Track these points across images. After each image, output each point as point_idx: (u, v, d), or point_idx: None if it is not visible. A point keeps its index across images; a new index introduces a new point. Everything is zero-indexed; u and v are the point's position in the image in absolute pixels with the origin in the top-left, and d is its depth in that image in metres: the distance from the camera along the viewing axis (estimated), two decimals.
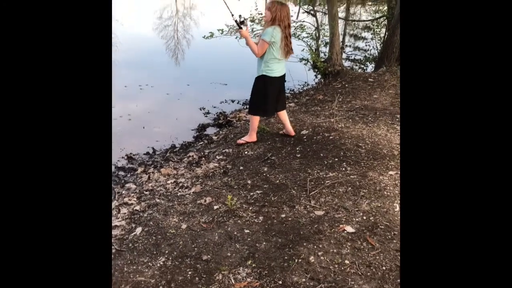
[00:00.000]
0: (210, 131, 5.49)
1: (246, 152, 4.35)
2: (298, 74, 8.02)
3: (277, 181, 3.63)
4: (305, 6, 9.48)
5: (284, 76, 4.31)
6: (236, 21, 4.08)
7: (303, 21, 8.86)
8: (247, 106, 5.44)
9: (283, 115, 4.54)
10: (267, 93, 4.24)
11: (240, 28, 4.10)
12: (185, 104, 6.50)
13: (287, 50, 4.10)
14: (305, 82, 8.04)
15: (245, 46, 4.21)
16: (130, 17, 15.20)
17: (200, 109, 6.28)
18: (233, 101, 6.75)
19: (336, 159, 3.96)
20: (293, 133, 4.60)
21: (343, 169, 3.76)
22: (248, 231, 2.90)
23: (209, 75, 8.11)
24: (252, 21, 8.34)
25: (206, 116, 6.05)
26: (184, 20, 17.10)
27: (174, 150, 4.80)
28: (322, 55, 8.36)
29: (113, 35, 10.69)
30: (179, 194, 3.62)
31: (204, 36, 7.88)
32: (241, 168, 4.01)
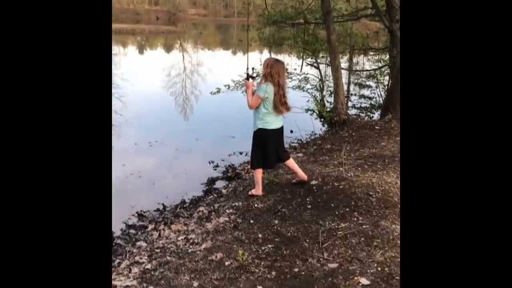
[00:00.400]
0: (219, 184, 5.50)
1: (256, 205, 4.34)
2: (304, 124, 8.12)
3: (289, 233, 3.58)
4: (308, 59, 9.75)
5: (281, 128, 4.38)
6: (247, 73, 4.25)
7: (307, 74, 9.09)
8: None
9: (290, 163, 4.56)
10: (265, 145, 4.31)
11: (248, 79, 4.25)
12: (194, 159, 6.56)
13: (280, 106, 4.18)
14: (312, 132, 8.11)
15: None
16: (139, 75, 15.68)
17: (209, 163, 6.33)
18: (241, 153, 6.81)
19: (347, 209, 3.92)
20: (305, 177, 4.60)
21: (355, 219, 3.71)
22: (261, 287, 2.83)
23: (217, 129, 8.24)
24: (257, 75, 8.56)
25: (215, 170, 6.09)
26: (192, 76, 17.58)
27: (184, 206, 4.80)
28: (327, 104, 8.50)
29: (122, 94, 11.03)
30: (189, 250, 3.58)
31: (212, 92, 8.09)
32: (251, 221, 3.98)
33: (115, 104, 10.20)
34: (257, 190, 4.52)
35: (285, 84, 4.25)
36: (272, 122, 4.26)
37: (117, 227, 4.27)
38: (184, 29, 43.90)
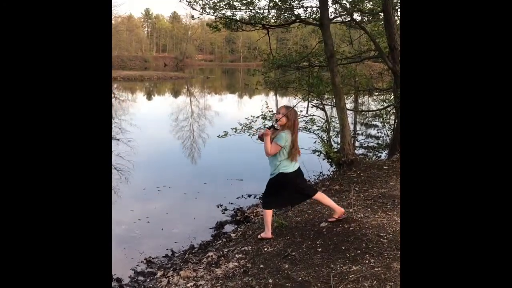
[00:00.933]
0: (228, 228, 5.46)
1: (265, 249, 4.28)
2: (312, 165, 8.13)
3: (300, 278, 3.51)
4: (314, 101, 9.90)
5: (299, 169, 4.40)
6: (273, 125, 4.33)
7: (313, 115, 9.19)
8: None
9: (320, 197, 4.53)
10: (284, 188, 4.32)
11: (269, 128, 4.30)
12: (203, 203, 6.55)
13: (296, 153, 4.27)
14: (320, 172, 8.11)
15: (257, 141, 4.39)
16: (147, 120, 15.93)
17: (218, 206, 6.31)
18: (249, 196, 6.79)
19: (359, 251, 3.85)
20: (343, 210, 4.57)
21: (367, 261, 3.65)
22: None
23: (225, 172, 8.26)
24: (264, 118, 8.67)
25: (224, 213, 6.06)
26: (199, 120, 17.82)
27: (193, 251, 4.75)
28: (334, 145, 8.53)
29: (130, 139, 11.18)
30: None
31: (219, 135, 8.18)
32: (261, 266, 3.91)
33: (124, 149, 10.33)
34: (267, 233, 4.48)
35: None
36: (291, 165, 4.30)
37: (125, 274, 4.22)
38: (191, 75, 44.89)
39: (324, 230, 4.51)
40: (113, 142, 11.32)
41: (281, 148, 4.22)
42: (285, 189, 4.35)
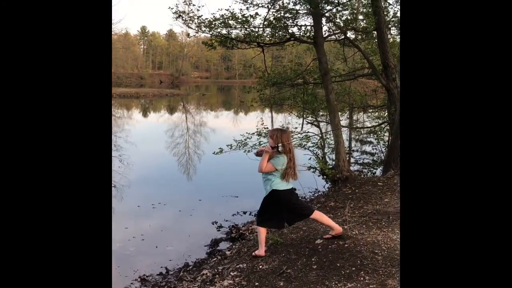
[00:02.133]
0: (223, 246, 5.44)
1: (260, 267, 4.26)
2: (307, 182, 8.15)
3: None
4: (309, 118, 9.97)
5: (292, 188, 4.42)
6: (277, 146, 4.33)
7: (308, 132, 9.25)
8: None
9: (318, 216, 4.53)
10: (278, 206, 4.33)
11: (273, 148, 4.32)
12: (198, 220, 6.53)
13: (292, 175, 4.29)
14: (316, 189, 8.11)
15: (255, 158, 4.42)
16: (142, 137, 15.93)
17: (213, 223, 6.29)
18: (244, 213, 6.78)
19: (354, 268, 3.85)
20: (340, 229, 4.56)
21: (362, 278, 3.64)
22: None
23: (220, 188, 8.25)
24: (259, 135, 8.70)
25: (219, 230, 6.04)
26: (195, 137, 17.85)
27: (188, 269, 4.72)
28: (329, 161, 8.56)
29: (126, 156, 11.16)
30: None
31: (214, 152, 8.19)
32: (256, 284, 3.89)
33: (119, 166, 10.31)
34: (260, 251, 4.47)
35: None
36: (283, 184, 4.32)
37: None
38: (187, 92, 45.08)
39: (319, 247, 4.51)
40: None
41: (275, 170, 4.26)
42: (279, 207, 4.36)
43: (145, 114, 28.61)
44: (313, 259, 4.20)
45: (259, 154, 4.38)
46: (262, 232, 4.44)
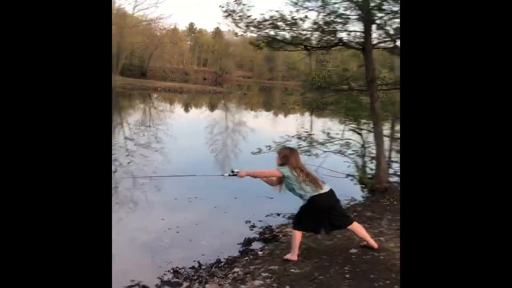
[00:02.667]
0: (256, 246, 5.44)
1: (292, 270, 4.24)
2: (344, 189, 8.04)
3: None
4: (351, 124, 9.83)
5: (331, 191, 4.36)
6: (229, 175, 4.73)
7: (349, 139, 9.11)
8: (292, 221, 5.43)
9: (357, 229, 4.52)
10: (318, 211, 4.31)
11: (235, 174, 4.66)
12: (232, 217, 6.57)
13: (315, 179, 4.36)
14: (352, 197, 7.99)
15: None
16: (184, 132, 16.19)
17: (246, 222, 6.31)
18: (278, 215, 6.75)
19: (388, 282, 3.77)
20: (376, 245, 4.53)
21: None
22: None
23: (256, 188, 8.24)
24: (299, 138, 8.65)
25: (252, 230, 6.05)
26: (234, 135, 17.97)
27: (219, 265, 4.76)
28: (369, 171, 8.41)
29: (165, 148, 11.39)
30: None
31: (253, 152, 8.22)
32: (287, 287, 3.88)
33: (158, 158, 10.53)
34: (293, 255, 4.44)
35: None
36: (318, 189, 4.29)
37: (152, 283, 4.27)
38: (229, 90, 45.48)
39: (354, 256, 4.44)
40: (148, 151, 11.56)
41: (282, 177, 4.33)
42: (319, 214, 4.33)
43: (186, 109, 29.10)
44: (346, 268, 4.14)
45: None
46: (297, 235, 4.42)
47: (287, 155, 4.35)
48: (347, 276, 3.96)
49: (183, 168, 10.02)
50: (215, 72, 65.74)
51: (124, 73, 43.60)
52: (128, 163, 9.92)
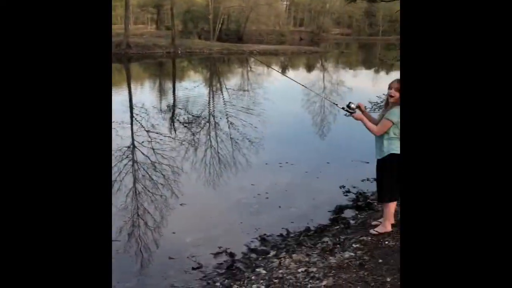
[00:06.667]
0: (348, 214, 5.15)
1: (386, 242, 3.91)
2: None
3: None
4: None
5: None
6: (344, 108, 4.04)
7: None
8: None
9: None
10: (393, 171, 3.89)
11: (352, 113, 3.92)
12: (324, 183, 6.30)
13: None
14: None
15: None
16: (280, 95, 16.01)
17: (340, 188, 6.02)
18: (375, 179, 6.33)
19: None
20: (389, 229, 4.10)
21: None
22: None
23: (351, 152, 7.85)
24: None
25: (345, 196, 5.76)
26: (331, 96, 17.41)
27: (308, 234, 4.57)
28: None
29: (263, 111, 11.35)
30: (309, 286, 3.33)
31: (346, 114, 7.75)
32: (380, 261, 3.57)
33: (254, 120, 10.52)
34: (386, 227, 4.08)
35: None
36: (399, 146, 3.86)
37: (239, 250, 4.23)
38: (326, 49, 44.11)
39: None
40: (245, 115, 11.59)
41: (392, 125, 3.77)
42: (393, 174, 3.91)
43: (283, 71, 28.83)
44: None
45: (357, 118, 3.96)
46: (391, 206, 4.04)
47: (399, 89, 3.72)
48: None
49: (279, 131, 9.92)
50: (311, 31, 64.03)
51: (221, 38, 44.31)
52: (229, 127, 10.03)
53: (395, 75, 16.93)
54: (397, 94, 3.77)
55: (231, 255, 4.14)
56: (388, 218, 4.06)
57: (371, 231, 4.14)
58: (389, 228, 4.07)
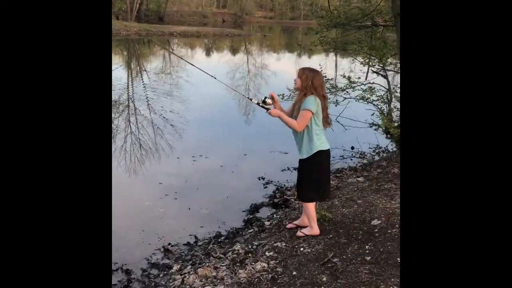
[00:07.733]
0: (263, 213, 4.76)
1: (302, 249, 3.55)
2: (367, 140, 7.21)
3: None
4: (375, 66, 8.72)
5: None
6: (259, 104, 3.53)
7: (373, 83, 8.08)
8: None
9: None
10: (324, 171, 3.59)
11: (268, 109, 3.52)
12: (239, 178, 5.87)
13: (327, 122, 3.59)
14: (377, 145, 7.16)
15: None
16: (203, 79, 15.32)
17: (259, 179, 5.64)
18: (295, 169, 6.01)
19: None
20: (317, 232, 3.77)
21: None
22: None
23: (269, 142, 7.48)
24: (282, 98, 7.57)
25: (264, 188, 5.38)
26: (255, 79, 17.11)
27: (219, 240, 4.11)
28: (395, 119, 7.47)
29: (186, 96, 10.72)
30: None
31: (259, 103, 7.35)
32: (294, 273, 3.20)
33: (177, 107, 9.87)
34: (313, 229, 3.73)
35: (327, 98, 3.69)
36: (326, 140, 3.54)
37: (137, 266, 3.67)
38: (249, 32, 43.73)
39: (376, 231, 3.70)
40: (168, 100, 10.83)
41: (312, 116, 3.41)
42: (325, 175, 3.64)
43: (207, 54, 27.97)
44: (367, 247, 3.42)
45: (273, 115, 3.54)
46: (312, 206, 3.68)
47: (309, 78, 3.41)
48: (368, 258, 3.24)
49: (203, 116, 9.34)
50: (234, 13, 63.18)
51: (140, 18, 42.14)
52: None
53: (318, 59, 16.91)
54: (298, 81, 3.46)
55: (128, 272, 3.56)
56: (312, 219, 3.69)
57: (298, 233, 3.78)
58: (316, 232, 3.71)
